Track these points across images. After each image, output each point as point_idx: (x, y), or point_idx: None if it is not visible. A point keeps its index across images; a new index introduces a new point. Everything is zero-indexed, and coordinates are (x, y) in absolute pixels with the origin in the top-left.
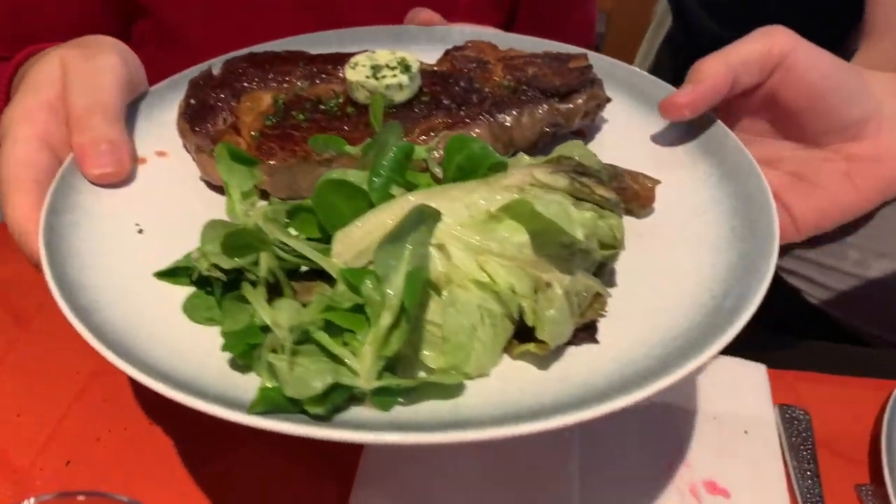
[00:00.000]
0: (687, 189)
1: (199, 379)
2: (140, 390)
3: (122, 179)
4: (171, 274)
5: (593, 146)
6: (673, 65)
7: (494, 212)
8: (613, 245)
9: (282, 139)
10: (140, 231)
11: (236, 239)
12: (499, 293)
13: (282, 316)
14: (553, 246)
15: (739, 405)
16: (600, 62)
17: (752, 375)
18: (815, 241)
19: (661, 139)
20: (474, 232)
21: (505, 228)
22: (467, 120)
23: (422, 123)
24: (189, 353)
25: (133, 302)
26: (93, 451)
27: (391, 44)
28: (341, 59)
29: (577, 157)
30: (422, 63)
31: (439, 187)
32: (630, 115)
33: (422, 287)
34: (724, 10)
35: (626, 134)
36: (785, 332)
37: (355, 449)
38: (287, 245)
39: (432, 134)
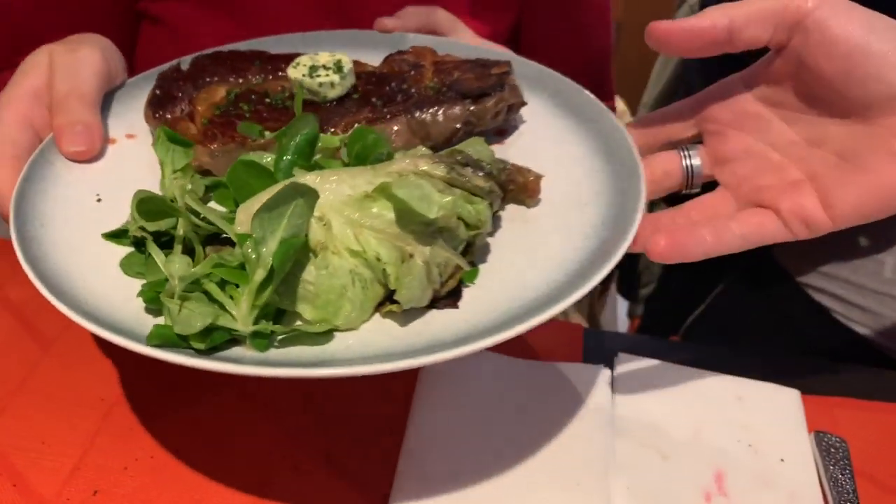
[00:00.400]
0: (578, 183)
1: (118, 318)
2: (168, 417)
3: (92, 157)
4: (116, 235)
5: (509, 142)
6: (704, 72)
7: (370, 192)
8: (478, 226)
9: (224, 126)
10: (99, 200)
11: (147, 205)
12: (368, 260)
13: (175, 267)
14: (416, 224)
15: (774, 432)
16: (529, 69)
17: (786, 401)
18: (846, 257)
19: (568, 140)
20: (354, 208)
21: (378, 206)
22: (388, 116)
23: (348, 117)
24: (116, 299)
25: (80, 256)
26: (120, 480)
27: (350, 47)
28: (295, 58)
29: (471, 152)
30: (367, 65)
31: (332, 170)
32: (548, 118)
33: (294, 251)
34: None
35: (539, 134)
36: (818, 355)
37: (393, 457)
38: (199, 213)
39: (356, 127)
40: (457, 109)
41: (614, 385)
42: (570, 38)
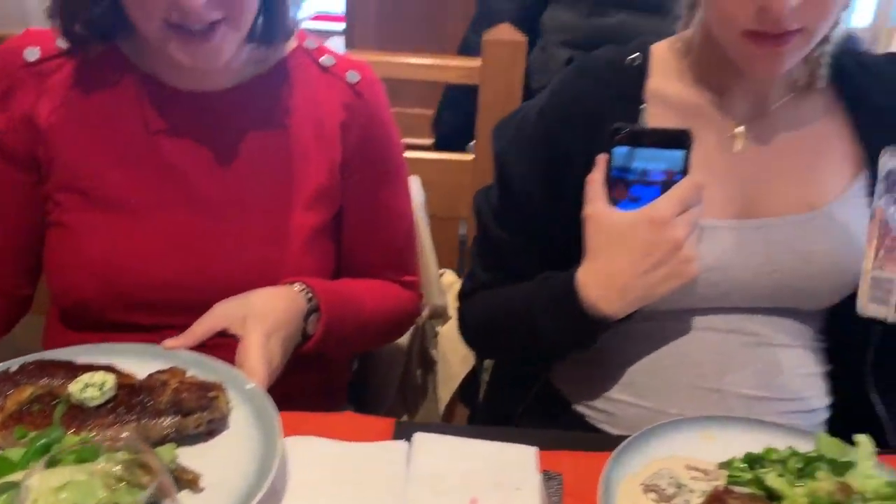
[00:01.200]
0: (236, 478)
1: None
2: None
3: None
4: None
5: (214, 441)
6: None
7: (64, 485)
8: None
9: (16, 420)
10: None
11: None
12: None
13: None
14: None
15: (515, 472)
16: (239, 382)
17: (526, 454)
18: (596, 381)
19: (247, 443)
20: (53, 494)
21: (67, 493)
22: (125, 421)
23: (98, 420)
24: None
25: None
26: None
27: (139, 357)
28: (89, 369)
29: (159, 456)
30: (133, 378)
31: (51, 469)
32: (247, 425)
33: None
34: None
35: (233, 438)
36: (554, 427)
37: None
38: None
39: (98, 428)
40: (167, 422)
41: (410, 452)
42: (376, 224)
